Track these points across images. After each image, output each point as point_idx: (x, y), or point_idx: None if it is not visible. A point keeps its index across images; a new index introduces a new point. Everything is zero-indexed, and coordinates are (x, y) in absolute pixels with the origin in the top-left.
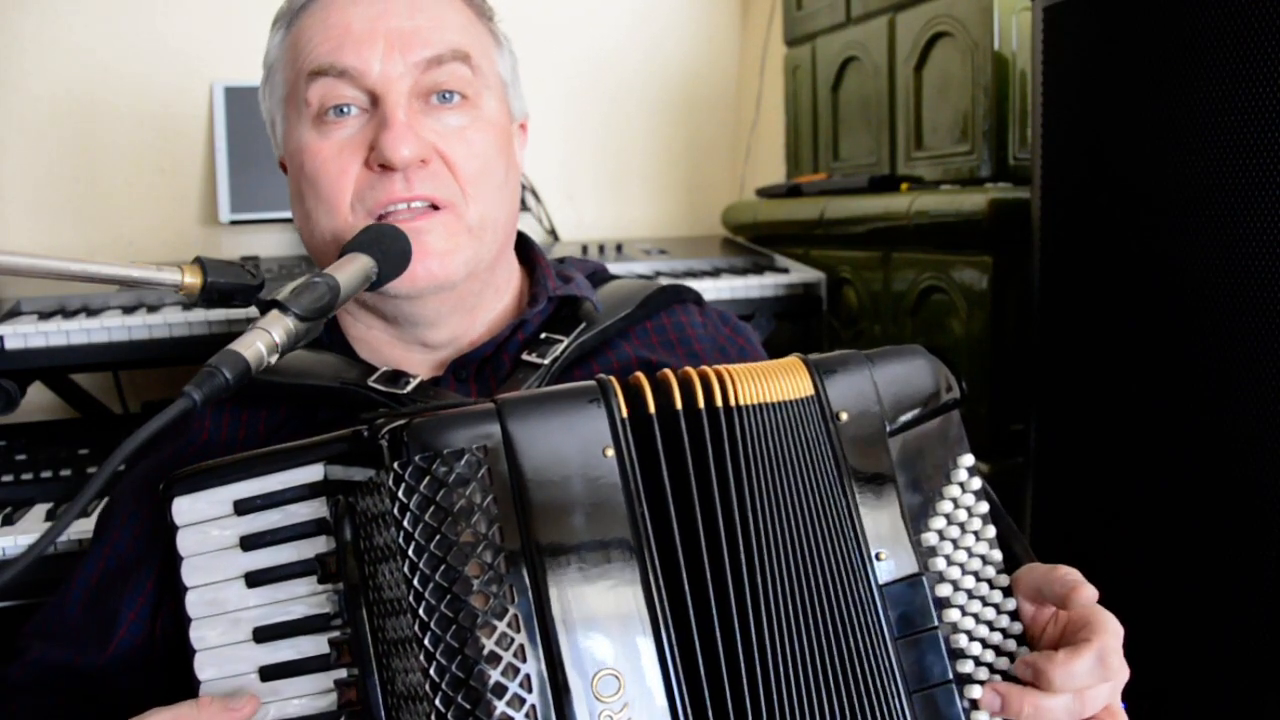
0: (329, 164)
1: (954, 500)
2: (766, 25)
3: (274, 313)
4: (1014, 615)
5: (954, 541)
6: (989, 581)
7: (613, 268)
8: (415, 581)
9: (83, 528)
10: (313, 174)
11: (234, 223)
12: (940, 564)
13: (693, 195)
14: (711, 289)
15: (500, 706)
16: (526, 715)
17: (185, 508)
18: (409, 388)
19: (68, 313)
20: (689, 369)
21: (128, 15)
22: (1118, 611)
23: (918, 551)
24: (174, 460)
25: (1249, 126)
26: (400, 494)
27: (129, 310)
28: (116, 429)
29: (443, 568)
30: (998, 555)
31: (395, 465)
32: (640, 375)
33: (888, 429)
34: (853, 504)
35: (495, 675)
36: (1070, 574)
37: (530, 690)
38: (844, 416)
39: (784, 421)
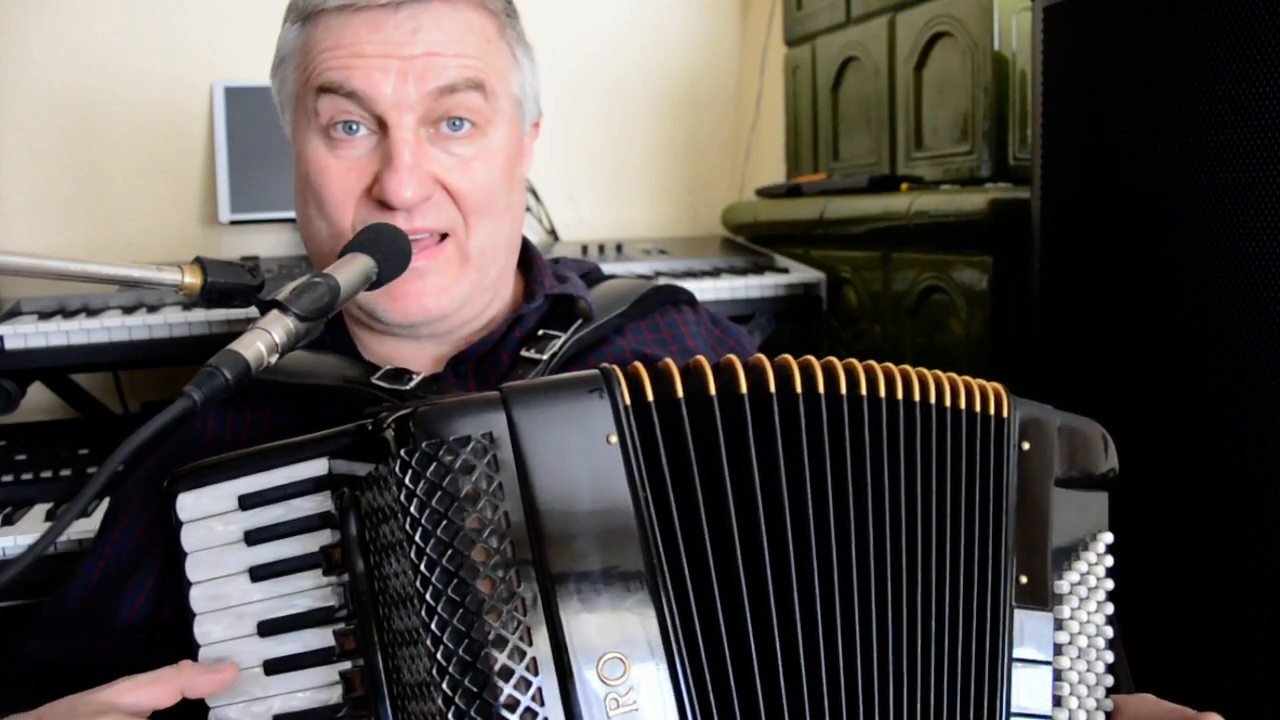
0: (334, 186)
1: (1088, 565)
2: (766, 25)
3: (274, 313)
4: (1110, 690)
5: (1080, 599)
6: (1096, 650)
7: (613, 268)
8: (422, 567)
9: (83, 528)
10: (318, 189)
11: (234, 223)
12: (1065, 612)
13: (693, 195)
14: (711, 289)
15: (507, 689)
16: (533, 698)
17: (189, 503)
18: (412, 384)
19: (68, 313)
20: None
21: (128, 15)
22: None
23: (1051, 592)
24: (178, 461)
25: (1249, 126)
26: (407, 480)
27: (129, 310)
28: (116, 429)
29: (449, 553)
30: (1110, 632)
31: (402, 452)
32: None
33: (1056, 475)
34: (1009, 524)
35: (502, 658)
36: None
37: (536, 673)
38: (1026, 446)
39: (974, 429)
